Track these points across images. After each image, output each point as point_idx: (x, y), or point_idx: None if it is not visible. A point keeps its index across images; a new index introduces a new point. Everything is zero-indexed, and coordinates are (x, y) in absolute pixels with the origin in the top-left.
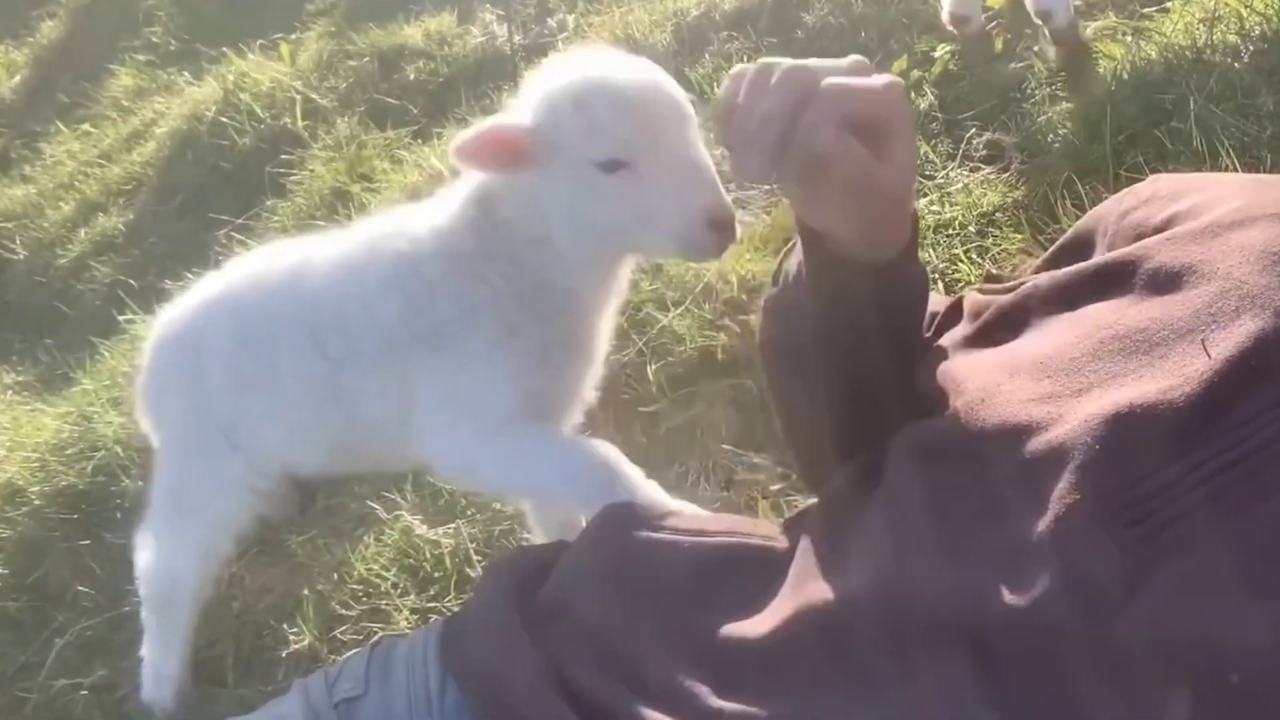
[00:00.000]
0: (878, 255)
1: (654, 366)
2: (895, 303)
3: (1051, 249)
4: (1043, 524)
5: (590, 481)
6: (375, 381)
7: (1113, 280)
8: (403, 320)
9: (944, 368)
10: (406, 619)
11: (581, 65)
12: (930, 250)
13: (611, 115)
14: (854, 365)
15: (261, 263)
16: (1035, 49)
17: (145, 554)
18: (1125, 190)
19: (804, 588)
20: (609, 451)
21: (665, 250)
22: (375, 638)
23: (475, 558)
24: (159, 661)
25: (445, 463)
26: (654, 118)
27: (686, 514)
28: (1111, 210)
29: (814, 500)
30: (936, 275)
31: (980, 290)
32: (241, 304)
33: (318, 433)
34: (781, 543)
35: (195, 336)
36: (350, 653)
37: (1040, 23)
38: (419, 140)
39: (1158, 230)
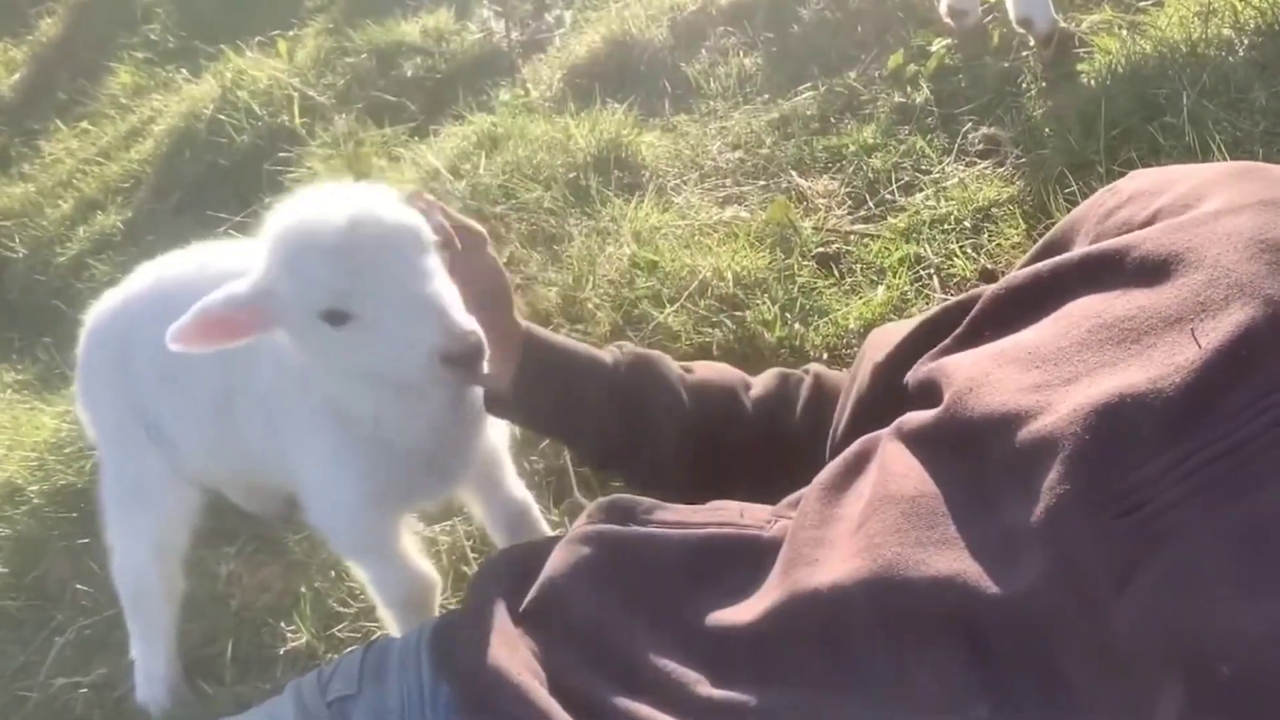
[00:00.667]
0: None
1: None
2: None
3: (1029, 254)
4: (1034, 514)
5: (399, 615)
6: (258, 420)
7: (1098, 271)
8: (275, 386)
9: (934, 365)
10: None
11: (295, 214)
12: (925, 245)
13: (321, 266)
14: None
15: (197, 262)
16: (1031, 44)
17: (114, 553)
18: (1104, 189)
19: (792, 575)
20: (419, 595)
21: (417, 382)
22: (373, 637)
23: (471, 555)
24: (147, 661)
25: (331, 546)
26: (366, 260)
27: (672, 506)
28: (1092, 211)
29: (804, 489)
30: (933, 271)
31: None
32: (170, 304)
33: (220, 444)
34: (769, 530)
35: (124, 329)
36: (345, 651)
37: (1022, 30)
38: (417, 138)
39: (1144, 226)
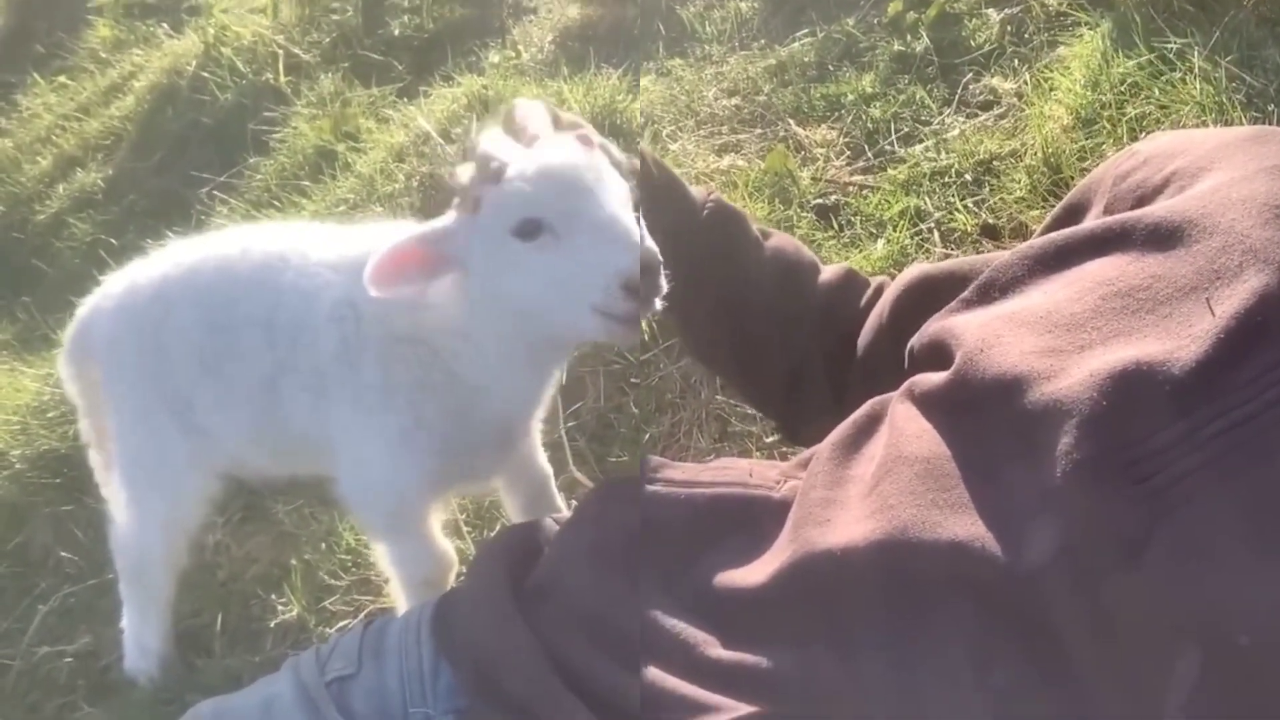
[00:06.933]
0: None
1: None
2: None
3: (1046, 220)
4: (1047, 480)
5: (414, 593)
6: (306, 398)
7: (1112, 239)
8: (334, 361)
9: (942, 325)
10: None
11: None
12: (926, 198)
13: (528, 181)
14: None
15: (239, 246)
16: None
17: (116, 523)
18: (1121, 152)
19: (803, 535)
20: (439, 574)
21: (584, 326)
22: (366, 612)
23: (465, 529)
24: (139, 633)
25: (359, 522)
26: (572, 181)
27: (680, 465)
28: (1108, 173)
29: (814, 447)
30: (933, 225)
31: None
32: (211, 288)
33: (261, 429)
34: (779, 490)
35: (161, 313)
36: (340, 625)
37: None
38: (404, 98)
39: (1158, 189)
